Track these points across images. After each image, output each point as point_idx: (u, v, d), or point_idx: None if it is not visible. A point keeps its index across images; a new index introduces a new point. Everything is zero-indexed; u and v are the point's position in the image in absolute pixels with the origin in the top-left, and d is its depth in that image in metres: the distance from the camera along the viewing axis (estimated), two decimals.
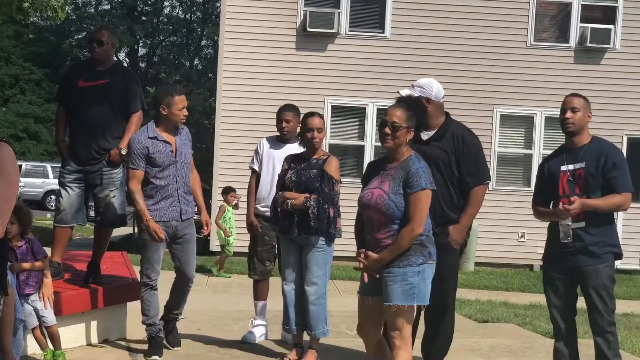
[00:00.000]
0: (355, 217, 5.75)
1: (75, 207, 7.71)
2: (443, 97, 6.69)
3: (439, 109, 6.61)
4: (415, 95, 6.47)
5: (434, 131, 6.52)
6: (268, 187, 7.82)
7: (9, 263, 6.46)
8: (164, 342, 7.50)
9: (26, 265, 6.68)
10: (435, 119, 6.55)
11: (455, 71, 17.13)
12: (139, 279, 7.69)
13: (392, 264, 5.35)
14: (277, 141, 7.96)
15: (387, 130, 5.39)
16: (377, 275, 5.43)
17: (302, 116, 7.36)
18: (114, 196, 7.69)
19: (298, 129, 7.66)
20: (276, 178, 7.54)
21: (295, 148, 7.66)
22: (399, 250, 5.32)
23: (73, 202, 7.69)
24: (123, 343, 7.79)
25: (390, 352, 5.52)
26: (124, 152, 7.58)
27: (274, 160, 7.82)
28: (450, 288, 6.61)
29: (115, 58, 8.35)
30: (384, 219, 5.37)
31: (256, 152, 8.04)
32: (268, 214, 7.69)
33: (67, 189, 7.68)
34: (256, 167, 7.98)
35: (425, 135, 6.43)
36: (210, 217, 8.28)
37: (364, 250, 5.46)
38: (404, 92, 6.52)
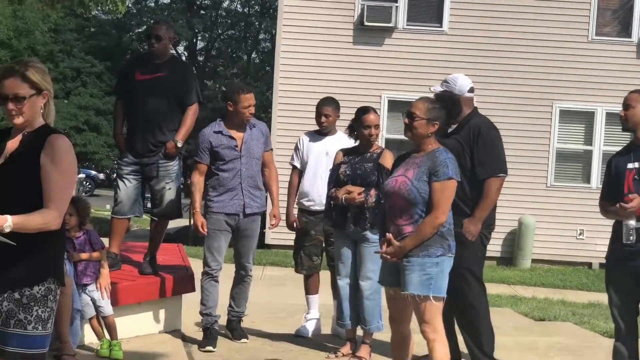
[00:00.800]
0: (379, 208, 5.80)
1: (132, 199, 7.80)
2: (469, 91, 6.63)
3: (466, 104, 6.58)
4: (440, 90, 6.50)
5: (457, 125, 6.52)
6: (312, 181, 7.82)
7: (66, 253, 6.58)
8: (230, 336, 7.60)
9: (84, 255, 6.78)
10: (462, 113, 6.55)
11: (514, 66, 16.95)
12: (195, 271, 7.77)
13: (411, 253, 5.37)
14: (316, 134, 7.97)
15: (406, 120, 5.52)
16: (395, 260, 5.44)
17: (355, 110, 7.32)
18: (169, 188, 7.76)
19: (337, 122, 7.74)
20: (319, 171, 7.56)
21: (335, 140, 7.69)
22: (421, 238, 5.34)
23: (130, 194, 7.78)
24: (178, 334, 7.86)
25: (428, 346, 5.49)
26: (179, 145, 7.66)
27: (314, 154, 7.83)
28: (471, 282, 6.53)
29: (173, 51, 8.44)
30: (405, 205, 5.40)
31: (296, 148, 8.04)
32: (313, 208, 7.72)
33: (125, 180, 7.77)
34: (297, 164, 7.98)
35: (450, 129, 6.44)
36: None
37: (387, 237, 5.46)
38: (434, 88, 6.59)
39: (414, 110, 5.49)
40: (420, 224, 5.35)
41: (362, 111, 7.14)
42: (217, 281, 7.49)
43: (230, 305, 7.71)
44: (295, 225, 7.92)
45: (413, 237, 5.35)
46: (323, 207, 7.42)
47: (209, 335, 7.42)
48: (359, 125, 7.09)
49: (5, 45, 43.49)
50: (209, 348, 7.32)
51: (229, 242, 7.63)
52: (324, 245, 7.89)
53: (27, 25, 44.38)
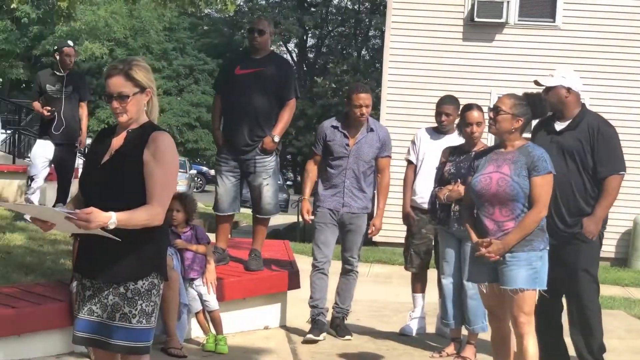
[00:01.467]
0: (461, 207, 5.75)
1: (232, 196, 7.87)
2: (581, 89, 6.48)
3: (577, 100, 6.42)
4: (555, 83, 6.33)
5: (568, 121, 6.36)
6: (425, 179, 7.73)
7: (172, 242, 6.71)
8: (334, 333, 7.63)
9: (192, 247, 6.87)
10: (572, 110, 6.39)
11: (628, 61, 16.43)
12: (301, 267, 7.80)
13: (515, 249, 5.32)
14: (436, 132, 7.87)
15: (491, 114, 5.48)
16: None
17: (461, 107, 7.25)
18: (267, 184, 7.80)
19: (457, 121, 7.57)
20: (432, 170, 7.47)
21: (454, 139, 7.56)
22: (525, 234, 5.31)
23: (229, 191, 7.86)
24: (283, 330, 7.90)
25: (518, 340, 5.43)
26: (276, 140, 7.69)
27: (432, 152, 7.73)
28: (588, 282, 6.33)
29: (284, 48, 8.54)
30: (506, 202, 5.35)
31: (413, 143, 7.97)
32: (425, 206, 7.64)
33: (223, 177, 7.85)
34: (412, 159, 7.91)
35: (559, 126, 6.35)
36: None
37: (486, 239, 5.37)
38: (544, 80, 6.41)
39: (500, 105, 5.48)
40: (524, 218, 5.33)
41: (465, 108, 7.07)
42: (324, 274, 7.53)
43: (335, 302, 7.72)
44: (410, 215, 7.82)
45: (516, 233, 5.31)
46: None
47: (315, 326, 7.48)
48: (462, 122, 7.01)
49: (121, 43, 44.67)
50: (310, 336, 7.40)
51: (336, 236, 7.66)
52: (433, 243, 7.82)
53: (142, 24, 45.51)
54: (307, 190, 7.63)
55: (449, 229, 6.93)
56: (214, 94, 8.27)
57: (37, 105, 10.18)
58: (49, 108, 9.90)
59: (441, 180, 6.99)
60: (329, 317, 7.71)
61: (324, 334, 7.54)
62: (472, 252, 5.61)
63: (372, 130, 7.55)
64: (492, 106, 5.56)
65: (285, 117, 7.79)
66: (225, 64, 8.44)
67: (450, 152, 7.09)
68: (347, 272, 7.68)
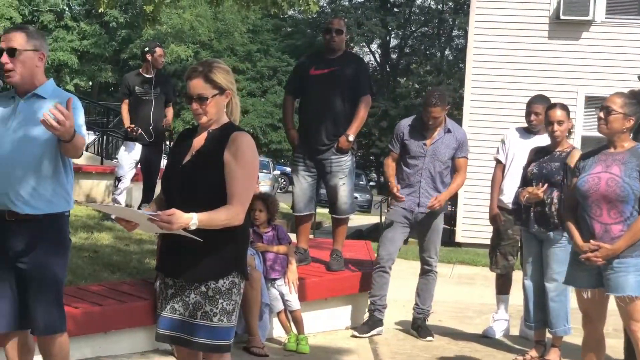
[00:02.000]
0: (563, 208, 5.61)
1: (308, 196, 7.90)
2: None
3: None
4: None
5: None
6: (513, 179, 7.64)
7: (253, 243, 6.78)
8: (416, 334, 7.63)
9: (273, 248, 6.92)
10: None
11: None
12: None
13: (623, 254, 5.17)
14: (526, 132, 7.77)
15: (601, 114, 5.33)
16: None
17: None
18: (343, 184, 7.81)
19: None
20: (521, 170, 7.37)
21: (544, 139, 7.44)
22: (635, 238, 5.15)
23: (305, 191, 7.89)
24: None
25: (635, 345, 5.27)
26: (351, 139, 7.69)
27: (522, 152, 7.63)
28: None
29: (367, 49, 8.56)
30: (615, 203, 5.21)
31: (502, 142, 7.88)
32: (512, 207, 7.54)
33: (300, 177, 7.89)
34: (501, 158, 7.82)
35: None
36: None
37: (595, 242, 5.24)
38: None
39: (610, 104, 5.32)
40: (635, 223, 5.17)
41: (548, 107, 6.97)
42: (385, 272, 7.56)
43: (415, 303, 7.70)
44: (497, 216, 7.75)
45: (627, 238, 5.17)
46: None
47: (369, 321, 7.57)
48: (545, 121, 6.91)
49: (206, 46, 45.26)
50: (355, 333, 7.53)
51: (405, 236, 7.68)
52: (519, 244, 7.73)
53: (227, 26, 46.03)
54: (392, 178, 7.60)
55: (531, 230, 6.84)
56: (284, 95, 8.26)
57: (125, 110, 10.34)
58: (134, 127, 10.08)
59: (525, 180, 6.90)
60: (407, 317, 7.69)
61: (378, 329, 7.60)
62: (572, 255, 5.50)
63: (449, 131, 7.55)
64: (601, 106, 5.40)
65: (361, 115, 7.78)
66: (298, 65, 8.42)
67: (536, 153, 6.98)
68: (426, 272, 7.68)
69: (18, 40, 4.45)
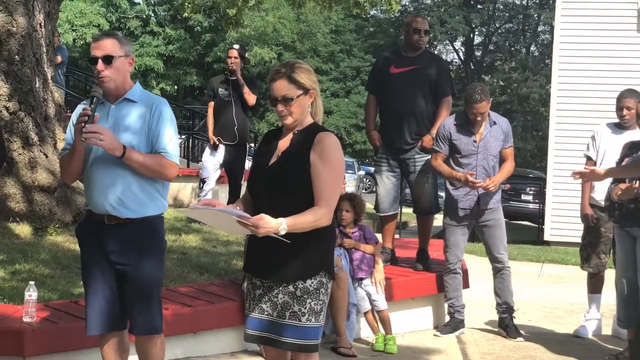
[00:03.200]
0: None
1: (392, 196, 7.88)
2: None
3: None
4: None
5: None
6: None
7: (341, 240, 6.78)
8: (504, 334, 7.56)
9: (360, 246, 6.91)
10: None
11: None
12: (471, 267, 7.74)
13: None
14: (617, 127, 7.59)
15: None
16: None
17: None
18: (427, 182, 7.75)
19: None
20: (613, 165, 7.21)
21: (637, 134, 7.27)
22: None
23: (389, 191, 7.87)
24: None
25: None
26: None
27: (613, 148, 7.47)
28: None
29: (451, 47, 8.49)
30: None
31: (592, 138, 7.72)
32: (604, 204, 7.38)
33: (384, 177, 7.87)
34: (592, 155, 7.66)
35: None
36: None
37: None
38: None
39: None
40: None
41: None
42: (456, 273, 7.57)
43: (497, 303, 7.60)
44: (589, 218, 7.60)
45: None
46: None
47: (450, 323, 7.56)
48: (638, 115, 6.74)
49: (289, 47, 45.52)
50: (437, 333, 7.53)
51: (467, 236, 7.66)
52: (612, 242, 7.56)
53: (309, 27, 46.20)
54: (448, 172, 7.38)
55: (622, 227, 6.67)
56: (367, 94, 8.20)
57: (210, 115, 10.46)
58: (218, 139, 10.21)
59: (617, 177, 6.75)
60: (493, 317, 7.60)
61: (460, 330, 7.56)
62: None
63: (494, 123, 7.44)
64: None
65: (443, 114, 7.72)
66: (377, 63, 8.36)
67: (630, 147, 6.81)
68: (499, 270, 7.57)
69: (111, 47, 4.53)
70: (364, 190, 37.73)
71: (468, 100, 7.32)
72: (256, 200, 4.16)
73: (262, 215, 3.83)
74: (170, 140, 4.54)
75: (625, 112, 7.43)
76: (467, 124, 7.40)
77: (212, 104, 10.46)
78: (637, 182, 6.50)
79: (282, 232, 3.83)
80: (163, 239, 4.73)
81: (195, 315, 6.11)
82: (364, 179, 41.14)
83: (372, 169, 45.31)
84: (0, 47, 8.80)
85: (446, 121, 7.52)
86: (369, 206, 9.35)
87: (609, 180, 7.09)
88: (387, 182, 7.87)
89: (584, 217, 7.68)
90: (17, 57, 8.85)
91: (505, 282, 7.57)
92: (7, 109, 8.74)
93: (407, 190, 8.17)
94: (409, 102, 7.67)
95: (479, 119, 7.31)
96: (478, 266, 7.55)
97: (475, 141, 7.36)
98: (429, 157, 7.72)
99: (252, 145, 18.97)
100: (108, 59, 4.49)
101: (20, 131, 8.82)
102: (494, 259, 7.59)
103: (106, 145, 4.33)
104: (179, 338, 6.01)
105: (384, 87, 7.84)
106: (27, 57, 8.96)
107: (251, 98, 10.21)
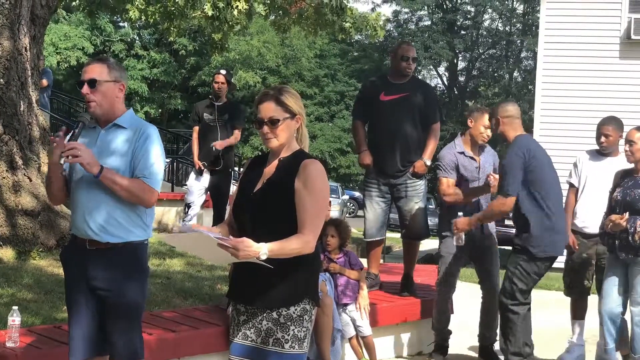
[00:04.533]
0: None
1: (381, 221, 7.89)
2: None
3: None
4: None
5: None
6: (586, 202, 7.53)
7: (326, 264, 6.77)
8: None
9: (346, 271, 6.90)
10: None
11: None
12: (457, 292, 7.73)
13: None
14: (598, 154, 7.65)
15: None
16: None
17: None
18: (418, 207, 7.77)
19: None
20: (594, 193, 7.26)
21: (617, 162, 7.33)
22: None
23: (378, 217, 7.88)
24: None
25: None
26: (428, 163, 7.67)
27: (594, 174, 7.52)
28: None
29: (434, 72, 8.55)
30: None
31: (575, 165, 7.78)
32: (586, 230, 7.44)
33: (373, 203, 7.87)
34: (574, 182, 7.71)
35: None
36: None
37: None
38: None
39: None
40: None
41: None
42: (446, 300, 7.54)
43: (482, 331, 7.57)
44: (573, 246, 7.62)
45: None
46: (596, 230, 7.16)
47: (436, 349, 7.53)
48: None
49: (274, 72, 45.66)
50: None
51: (462, 263, 7.58)
52: (594, 268, 7.60)
53: (294, 52, 46.36)
54: (458, 197, 7.32)
55: (616, 256, 6.71)
56: (353, 120, 8.17)
57: (195, 139, 10.47)
58: (204, 164, 10.23)
59: (610, 207, 6.79)
60: (472, 342, 7.60)
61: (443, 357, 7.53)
62: None
63: (485, 148, 7.51)
64: None
65: (433, 141, 7.77)
66: (365, 89, 8.38)
67: (621, 176, 6.85)
68: (493, 296, 7.47)
69: (98, 71, 4.53)
70: (347, 215, 37.74)
71: (476, 113, 7.32)
72: (240, 225, 4.16)
73: (244, 238, 3.82)
74: (152, 165, 4.50)
75: (603, 139, 7.50)
76: (470, 148, 7.39)
77: (196, 128, 10.46)
78: (626, 214, 6.55)
79: (263, 257, 3.82)
80: (145, 265, 4.70)
81: (179, 341, 6.08)
82: (348, 204, 41.15)
83: (356, 194, 45.41)
84: None
85: (450, 151, 7.39)
86: (353, 230, 9.36)
87: (592, 206, 7.14)
88: (376, 208, 7.88)
89: (567, 244, 7.71)
90: (1, 80, 8.86)
91: (494, 308, 7.52)
92: None
93: (392, 215, 8.17)
94: (400, 129, 7.71)
95: (488, 134, 7.27)
96: (463, 290, 7.55)
97: (477, 167, 7.37)
98: (420, 182, 7.75)
99: (237, 169, 18.96)
100: (92, 83, 4.50)
101: (5, 154, 8.81)
102: (492, 285, 7.46)
103: (83, 161, 4.31)
104: None
105: (374, 114, 7.87)
106: (12, 81, 8.96)
107: (235, 139, 10.32)
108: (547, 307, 11.35)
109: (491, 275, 7.49)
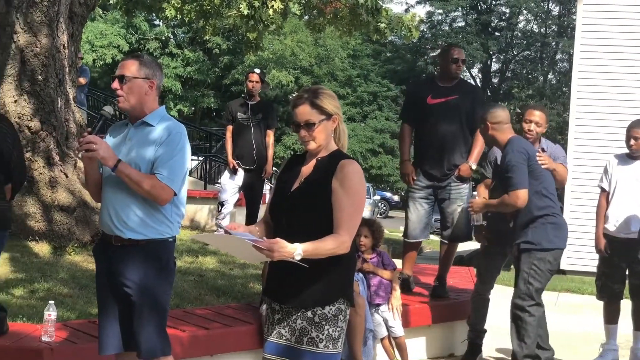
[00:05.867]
0: None
1: (424, 223, 7.87)
2: None
3: None
4: None
5: None
6: (617, 206, 7.48)
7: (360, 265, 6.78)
8: None
9: (378, 271, 6.90)
10: None
11: None
12: None
13: None
14: (627, 158, 7.60)
15: None
16: None
17: None
18: (461, 210, 7.75)
19: None
20: (625, 196, 7.22)
21: None
22: None
23: (422, 218, 7.85)
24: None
25: None
26: (474, 167, 7.63)
27: (624, 178, 7.48)
28: None
29: (467, 73, 8.50)
30: None
31: (605, 170, 7.73)
32: (618, 234, 7.39)
33: (417, 204, 7.84)
34: (605, 186, 7.66)
35: None
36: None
37: None
38: None
39: None
40: None
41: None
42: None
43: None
44: (604, 250, 7.57)
45: None
46: (627, 234, 7.11)
47: (469, 350, 7.46)
48: None
49: (307, 71, 45.69)
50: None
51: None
52: (627, 272, 7.54)
53: (327, 52, 46.37)
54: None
55: None
56: (401, 123, 8.16)
57: (228, 139, 10.51)
58: (237, 162, 10.29)
59: None
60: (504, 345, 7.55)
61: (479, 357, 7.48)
62: None
63: (543, 150, 7.34)
64: None
65: (480, 144, 7.70)
66: (411, 92, 8.36)
67: None
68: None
69: (130, 68, 4.58)
70: (379, 215, 37.74)
71: (524, 116, 7.26)
72: (276, 224, 4.18)
73: (278, 239, 3.83)
74: (171, 164, 4.51)
75: (632, 142, 7.45)
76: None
77: (230, 127, 10.51)
78: None
79: (297, 258, 3.83)
80: (169, 262, 4.69)
81: (212, 338, 6.11)
82: (379, 204, 41.17)
83: (387, 194, 45.38)
84: (24, 67, 8.90)
85: (494, 148, 7.27)
86: (386, 232, 9.35)
87: (622, 210, 7.09)
88: (419, 209, 7.85)
89: (598, 248, 7.67)
90: (40, 77, 8.95)
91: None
92: (29, 128, 8.83)
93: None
94: (448, 133, 7.67)
95: (531, 133, 7.13)
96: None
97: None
98: (465, 185, 7.73)
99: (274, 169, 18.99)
100: (122, 78, 4.54)
101: (42, 151, 8.90)
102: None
103: (99, 155, 4.35)
104: None
105: (422, 118, 7.83)
106: (50, 78, 9.06)
107: (271, 139, 10.42)
108: (580, 311, 11.29)
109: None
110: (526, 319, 6.59)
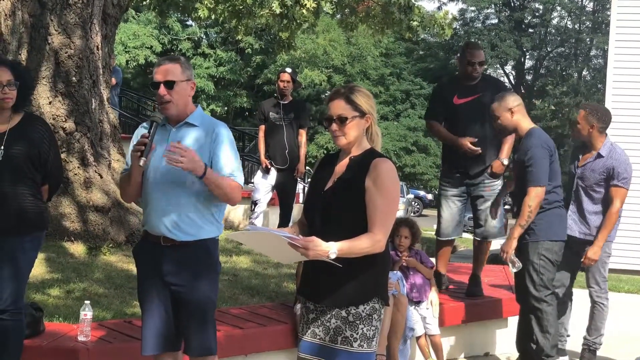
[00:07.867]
0: None
1: (457, 220, 7.82)
2: None
3: None
4: None
5: None
6: None
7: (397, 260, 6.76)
8: None
9: (419, 266, 6.88)
10: None
11: None
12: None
13: None
14: None
15: None
16: None
17: None
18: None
19: None
20: None
21: None
22: None
23: (454, 216, 7.80)
24: (503, 357, 7.74)
25: None
26: (505, 163, 7.57)
27: None
28: None
29: (500, 71, 8.41)
30: None
31: None
32: None
33: (449, 202, 7.80)
34: None
35: None
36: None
37: None
38: None
39: None
40: None
41: None
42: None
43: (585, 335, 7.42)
44: None
45: None
46: None
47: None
48: None
49: (339, 70, 45.66)
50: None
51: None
52: None
53: (359, 50, 46.32)
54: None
55: None
56: (427, 121, 8.04)
57: (261, 138, 10.52)
58: (270, 162, 10.31)
59: None
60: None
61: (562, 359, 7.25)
62: None
63: (600, 156, 7.23)
64: None
65: (510, 140, 7.63)
66: (437, 92, 8.29)
67: None
68: (593, 303, 7.31)
69: (174, 72, 4.57)
70: (412, 214, 37.63)
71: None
72: (310, 224, 4.18)
73: (313, 237, 3.84)
74: (236, 163, 4.58)
75: None
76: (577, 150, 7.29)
77: (263, 127, 10.51)
78: None
79: (332, 256, 3.82)
80: (217, 261, 4.74)
81: (247, 337, 6.12)
82: (413, 202, 41.04)
83: (420, 192, 45.22)
84: (58, 68, 8.97)
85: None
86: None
87: None
88: (452, 207, 7.81)
89: None
90: (74, 78, 9.01)
91: (594, 316, 7.31)
92: (64, 129, 8.89)
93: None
94: (476, 131, 7.62)
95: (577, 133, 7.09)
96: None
97: (577, 166, 7.24)
98: (498, 182, 7.67)
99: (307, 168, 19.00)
100: (170, 84, 4.54)
101: (77, 151, 8.96)
102: (589, 291, 7.32)
103: (184, 167, 4.35)
104: None
105: (449, 117, 7.81)
106: (84, 79, 9.11)
107: (303, 141, 10.42)
108: (617, 310, 11.16)
109: (586, 279, 7.33)
110: (545, 308, 6.50)
